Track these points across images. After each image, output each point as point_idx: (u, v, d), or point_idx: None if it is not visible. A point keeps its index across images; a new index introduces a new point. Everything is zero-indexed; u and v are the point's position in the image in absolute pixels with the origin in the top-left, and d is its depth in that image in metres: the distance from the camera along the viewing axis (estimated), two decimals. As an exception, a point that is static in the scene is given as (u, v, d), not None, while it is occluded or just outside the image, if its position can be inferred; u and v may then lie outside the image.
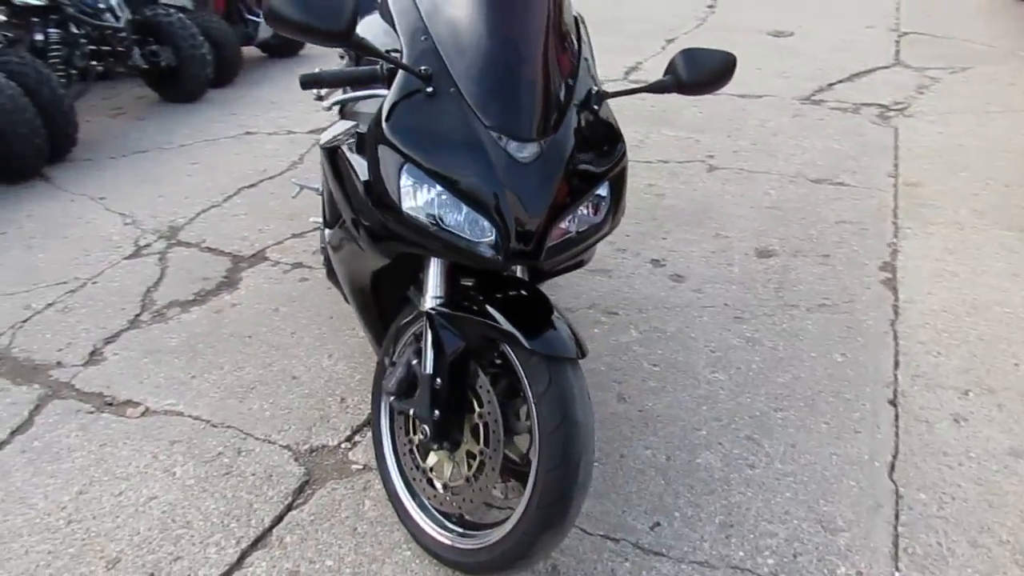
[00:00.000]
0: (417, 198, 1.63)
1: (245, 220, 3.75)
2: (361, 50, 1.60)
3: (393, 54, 1.72)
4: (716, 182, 3.85)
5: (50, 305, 3.13)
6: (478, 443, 1.80)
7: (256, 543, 2.06)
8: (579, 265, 2.00)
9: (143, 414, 2.54)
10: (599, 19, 6.51)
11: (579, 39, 1.83)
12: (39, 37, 4.64)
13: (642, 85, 1.78)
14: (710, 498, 2.13)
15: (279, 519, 2.13)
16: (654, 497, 2.14)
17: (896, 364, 2.59)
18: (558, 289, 3.04)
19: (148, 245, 3.56)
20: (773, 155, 4.11)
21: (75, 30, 4.77)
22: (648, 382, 2.56)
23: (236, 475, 2.27)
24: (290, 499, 2.19)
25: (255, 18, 6.03)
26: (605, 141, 1.76)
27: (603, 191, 1.75)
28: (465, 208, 1.60)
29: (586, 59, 1.81)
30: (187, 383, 2.66)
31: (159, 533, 2.10)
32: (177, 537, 2.08)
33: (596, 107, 1.75)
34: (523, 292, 1.81)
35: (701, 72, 1.77)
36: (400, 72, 1.67)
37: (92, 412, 2.55)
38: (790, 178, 3.86)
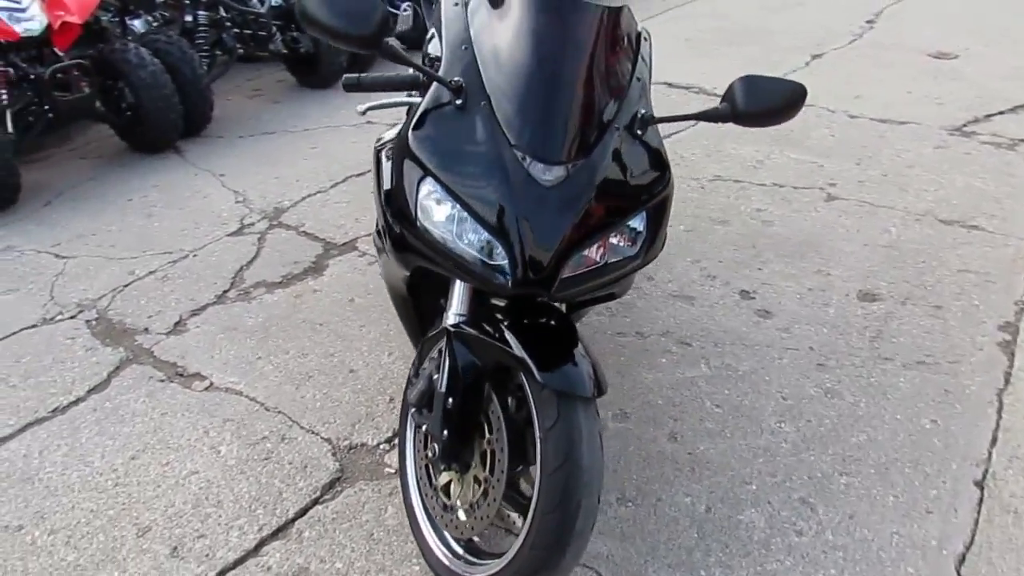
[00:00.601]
0: (433, 213, 1.57)
1: (345, 208, 3.84)
2: (390, 57, 1.57)
3: (438, 63, 1.68)
4: (832, 213, 3.56)
5: (151, 272, 3.33)
6: (484, 469, 1.73)
7: (276, 533, 2.09)
8: (610, 297, 1.88)
9: (206, 388, 2.64)
10: (744, 28, 6.23)
11: (635, 57, 1.71)
12: (189, 19, 4.94)
13: (695, 112, 1.65)
14: (744, 561, 1.95)
15: (303, 512, 2.15)
16: (683, 551, 1.99)
17: (994, 440, 2.28)
18: (633, 311, 2.90)
19: (252, 224, 3.72)
20: (903, 189, 3.76)
21: (223, 14, 5.05)
22: (706, 423, 2.39)
23: (274, 461, 2.31)
24: (318, 494, 2.20)
25: (395, 10, 6.17)
26: (647, 168, 1.64)
27: (637, 222, 1.63)
28: (479, 228, 1.53)
29: (639, 79, 1.69)
30: (253, 363, 2.74)
31: (191, 508, 2.16)
32: (206, 515, 2.14)
33: (640, 131, 1.63)
34: (551, 321, 1.72)
35: (760, 102, 1.61)
36: (434, 82, 1.62)
37: (162, 381, 2.68)
38: (917, 216, 3.51)
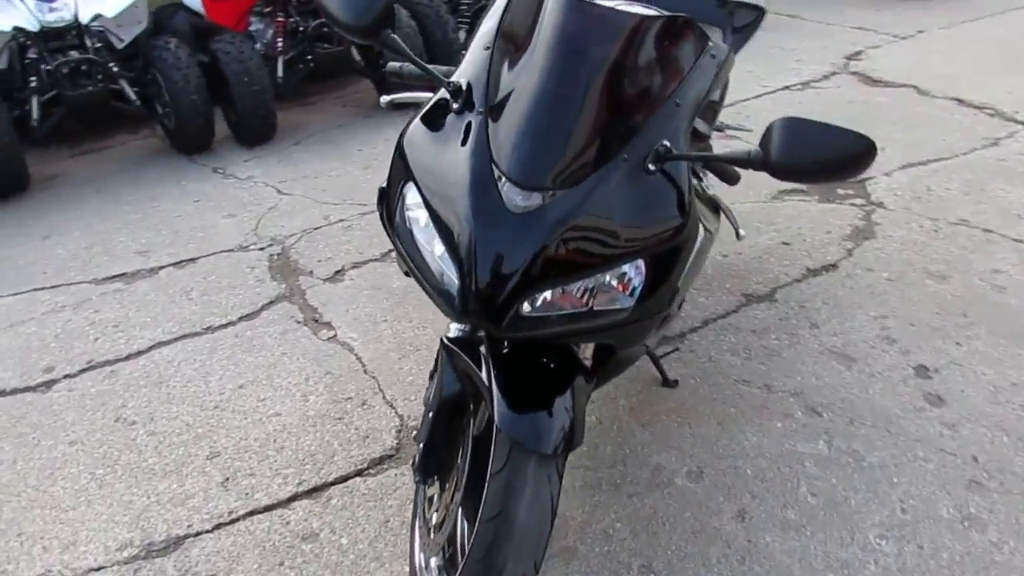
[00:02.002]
0: (409, 219, 1.47)
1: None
2: (390, 50, 1.49)
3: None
4: (1103, 295, 2.77)
5: (341, 220, 3.59)
6: (442, 492, 1.63)
7: (311, 492, 2.17)
8: (611, 352, 1.62)
9: (329, 339, 2.80)
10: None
11: (682, 79, 1.43)
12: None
13: (724, 153, 1.34)
14: None
15: (343, 479, 2.20)
16: (680, 649, 1.71)
17: None
18: (773, 358, 2.53)
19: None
20: None
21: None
22: (788, 511, 2.02)
23: (345, 423, 2.40)
24: (364, 466, 2.24)
25: None
26: (655, 209, 1.38)
27: (630, 268, 1.38)
28: (442, 245, 1.40)
29: (679, 104, 1.41)
30: (376, 324, 2.85)
31: (257, 447, 2.33)
32: (265, 456, 2.29)
33: (653, 167, 1.37)
34: (553, 359, 1.54)
35: (802, 153, 1.26)
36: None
37: (298, 323, 2.90)
38: None
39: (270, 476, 2.23)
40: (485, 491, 1.46)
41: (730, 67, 1.55)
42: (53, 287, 3.25)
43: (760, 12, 2.61)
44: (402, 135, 1.55)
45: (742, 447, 2.22)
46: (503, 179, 1.35)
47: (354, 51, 4.65)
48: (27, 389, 2.66)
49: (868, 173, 3.63)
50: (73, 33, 4.13)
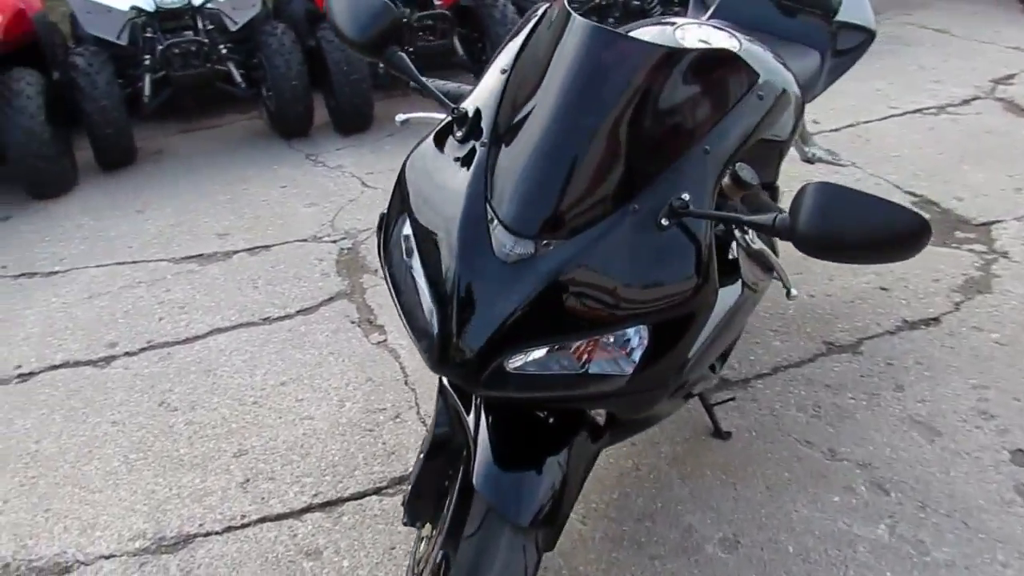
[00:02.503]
0: (404, 250, 1.35)
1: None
2: (394, 68, 1.39)
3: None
4: None
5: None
6: (431, 537, 1.52)
7: (324, 506, 2.11)
8: (648, 422, 1.44)
9: (378, 343, 2.74)
10: None
11: (715, 123, 1.24)
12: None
13: (745, 216, 1.15)
14: None
15: (358, 496, 2.13)
16: None
17: None
18: (845, 421, 2.26)
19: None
20: None
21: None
22: (828, 603, 1.79)
23: (374, 436, 2.33)
24: (384, 484, 2.17)
25: None
26: (666, 269, 1.20)
27: (633, 334, 1.21)
28: (426, 285, 1.27)
29: (708, 150, 1.22)
30: (427, 333, 2.77)
31: (284, 450, 2.29)
32: (289, 460, 2.25)
33: (666, 221, 1.18)
34: (554, 411, 1.39)
35: (835, 226, 1.05)
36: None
37: (353, 323, 2.86)
38: None
39: (289, 483, 2.18)
40: (458, 552, 1.34)
41: (789, 106, 1.34)
42: (134, 262, 3.36)
43: (869, 35, 2.33)
44: (406, 159, 1.44)
45: (789, 519, 1.99)
46: (495, 221, 1.21)
47: (457, 44, 4.59)
48: (88, 363, 2.75)
49: (995, 215, 3.24)
50: (188, 14, 4.26)
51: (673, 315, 1.21)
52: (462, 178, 1.27)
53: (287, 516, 2.08)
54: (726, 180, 1.28)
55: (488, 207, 1.22)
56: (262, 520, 2.08)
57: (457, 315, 1.20)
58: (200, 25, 4.30)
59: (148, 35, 4.21)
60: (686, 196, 1.19)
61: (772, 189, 1.74)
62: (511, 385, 1.23)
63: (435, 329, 1.23)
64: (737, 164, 1.29)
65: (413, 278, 1.30)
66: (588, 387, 1.24)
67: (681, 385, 1.39)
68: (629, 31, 1.77)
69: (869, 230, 1.07)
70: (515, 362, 1.22)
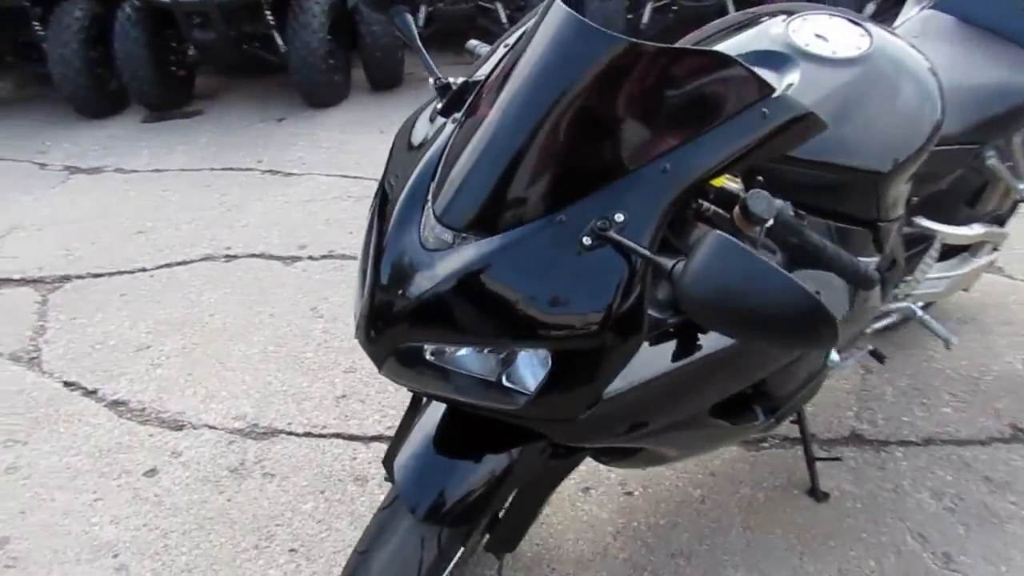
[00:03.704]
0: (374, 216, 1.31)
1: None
2: (398, 29, 1.32)
3: None
4: None
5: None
6: None
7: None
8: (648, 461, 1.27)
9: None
10: None
11: (671, 143, 1.02)
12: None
13: (648, 252, 0.94)
14: None
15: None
16: None
17: None
18: (984, 530, 1.82)
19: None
20: None
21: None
22: None
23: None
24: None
25: None
26: (575, 293, 1.03)
27: (531, 353, 1.07)
28: (369, 255, 1.23)
29: (666, 171, 1.00)
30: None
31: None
32: (383, 389, 2.37)
33: (589, 240, 1.00)
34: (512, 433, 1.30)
35: (718, 289, 0.83)
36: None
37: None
38: None
39: (374, 409, 2.30)
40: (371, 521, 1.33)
41: (802, 128, 1.05)
42: (355, 178, 3.67)
43: None
44: (403, 124, 1.39)
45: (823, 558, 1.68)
46: (429, 202, 1.13)
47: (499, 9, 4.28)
48: (278, 257, 3.09)
49: None
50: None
51: (577, 347, 1.05)
52: (428, 152, 1.21)
53: (357, 439, 2.21)
54: (735, 213, 1.06)
55: (429, 187, 1.15)
56: (336, 435, 2.22)
57: (377, 292, 1.16)
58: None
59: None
60: (620, 217, 1.00)
61: (874, 228, 1.41)
62: (416, 374, 1.16)
63: (362, 301, 1.20)
64: (752, 192, 1.07)
65: (367, 244, 1.28)
66: (493, 399, 1.13)
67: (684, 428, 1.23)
68: (731, 20, 1.52)
69: (757, 301, 0.84)
70: (435, 353, 1.15)
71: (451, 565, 1.34)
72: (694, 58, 1.02)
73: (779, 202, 1.11)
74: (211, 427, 2.28)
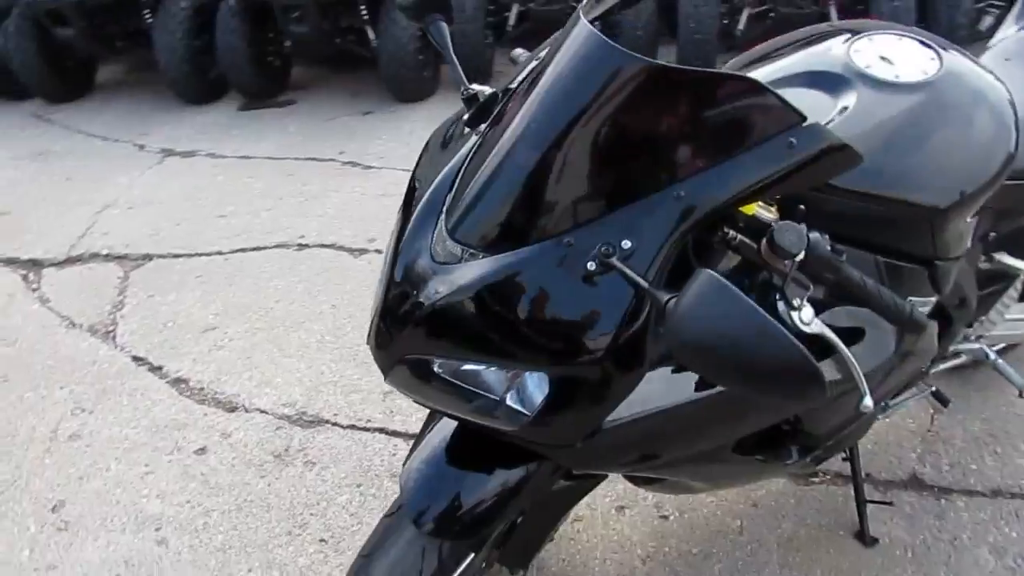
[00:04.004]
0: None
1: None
2: (432, 39, 1.30)
3: None
4: None
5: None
6: None
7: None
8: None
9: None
10: None
11: (688, 170, 0.96)
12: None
13: (645, 283, 0.88)
14: None
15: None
16: None
17: None
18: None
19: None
20: None
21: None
22: None
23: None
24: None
25: None
26: (573, 320, 0.99)
27: (536, 377, 1.04)
28: (387, 258, 1.22)
29: (678, 196, 0.95)
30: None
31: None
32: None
33: (593, 266, 0.96)
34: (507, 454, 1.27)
35: (703, 331, 0.78)
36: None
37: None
38: None
39: (417, 408, 2.30)
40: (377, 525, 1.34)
41: (835, 160, 0.97)
42: (430, 173, 3.71)
43: None
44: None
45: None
46: (443, 217, 1.12)
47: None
48: (348, 249, 3.15)
49: None
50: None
51: (577, 373, 1.01)
52: (450, 162, 1.19)
53: (399, 435, 2.22)
54: (763, 245, 1.01)
55: (446, 199, 1.13)
56: (380, 430, 2.24)
57: (387, 300, 1.15)
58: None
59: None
60: (627, 244, 0.96)
61: (930, 266, 1.31)
62: (420, 385, 1.15)
63: (375, 306, 1.20)
64: (781, 223, 1.01)
65: (387, 248, 1.27)
66: (494, 417, 1.10)
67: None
68: (795, 36, 1.44)
69: (741, 349, 0.78)
70: (443, 366, 1.13)
71: None
72: (718, 82, 0.97)
73: (814, 235, 1.05)
74: (262, 411, 2.34)
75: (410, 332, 1.11)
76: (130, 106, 4.85)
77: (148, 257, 3.19)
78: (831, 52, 1.32)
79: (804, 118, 0.98)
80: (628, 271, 0.93)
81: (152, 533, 1.96)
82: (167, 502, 2.04)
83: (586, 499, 1.94)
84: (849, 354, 1.13)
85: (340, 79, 5.10)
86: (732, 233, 1.09)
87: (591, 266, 0.98)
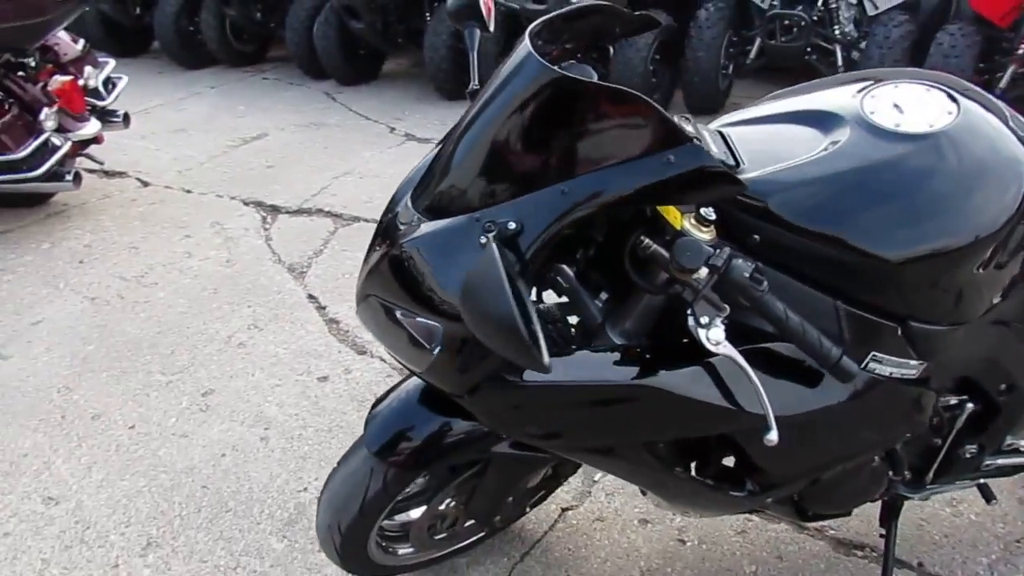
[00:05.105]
0: None
1: None
2: (466, 43, 1.46)
3: None
4: None
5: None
6: None
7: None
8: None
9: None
10: None
11: (573, 170, 1.09)
12: None
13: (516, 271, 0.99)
14: None
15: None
16: None
17: None
18: None
19: None
20: None
21: None
22: None
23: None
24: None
25: None
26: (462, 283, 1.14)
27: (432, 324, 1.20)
28: None
29: (563, 192, 1.08)
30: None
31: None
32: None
33: (483, 239, 1.10)
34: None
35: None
36: None
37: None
38: None
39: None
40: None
41: (716, 183, 1.03)
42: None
43: None
44: None
45: None
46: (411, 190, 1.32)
47: None
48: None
49: None
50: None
51: (457, 331, 1.15)
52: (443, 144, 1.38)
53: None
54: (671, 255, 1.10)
55: (429, 174, 1.32)
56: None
57: (369, 247, 1.37)
58: (829, 2, 4.29)
59: (771, 3, 4.42)
60: (513, 225, 1.08)
61: (904, 325, 1.22)
62: (374, 321, 1.34)
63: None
64: (682, 239, 1.10)
65: None
66: (407, 355, 1.27)
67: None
68: (841, 77, 1.43)
69: (481, 309, 0.90)
70: (397, 309, 1.33)
71: (393, 503, 1.53)
72: (612, 97, 1.07)
73: (738, 260, 1.11)
74: (382, 360, 2.67)
75: (368, 275, 1.32)
76: (398, 95, 5.53)
77: (356, 219, 3.70)
78: (842, 94, 1.32)
79: (689, 139, 1.05)
80: (494, 246, 1.07)
81: (260, 431, 2.37)
82: (282, 411, 2.45)
83: (615, 503, 2.04)
84: (759, 384, 1.16)
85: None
86: (647, 242, 1.18)
87: (482, 240, 1.13)
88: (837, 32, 4.33)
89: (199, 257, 3.40)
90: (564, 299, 1.37)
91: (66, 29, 3.88)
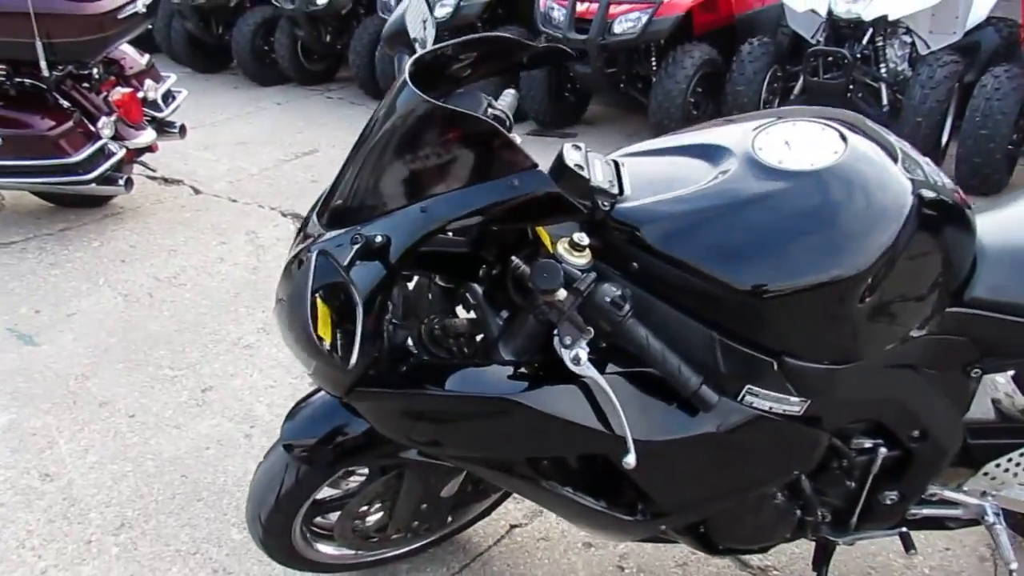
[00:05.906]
0: None
1: None
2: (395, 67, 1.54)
3: None
4: None
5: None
6: None
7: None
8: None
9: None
10: None
11: (431, 190, 1.19)
12: None
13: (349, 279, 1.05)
14: None
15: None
16: None
17: None
18: None
19: None
20: None
21: None
22: None
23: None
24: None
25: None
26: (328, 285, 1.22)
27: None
28: None
29: (422, 210, 1.17)
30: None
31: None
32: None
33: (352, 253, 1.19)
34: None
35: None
36: None
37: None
38: None
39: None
40: None
41: (559, 207, 1.10)
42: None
43: None
44: None
45: None
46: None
47: None
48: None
49: None
50: (865, 25, 4.21)
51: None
52: None
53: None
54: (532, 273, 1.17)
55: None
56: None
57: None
58: (876, 40, 4.21)
59: (820, 38, 4.36)
60: (379, 239, 1.16)
61: (779, 360, 1.23)
62: (278, 321, 1.43)
63: None
64: (540, 262, 1.17)
65: None
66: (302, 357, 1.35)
67: None
68: (730, 118, 1.45)
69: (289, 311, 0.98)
70: None
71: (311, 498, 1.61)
72: (466, 123, 1.14)
73: (604, 285, 1.17)
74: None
75: (280, 279, 1.42)
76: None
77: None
78: (740, 130, 1.34)
79: (535, 165, 1.11)
80: (336, 262, 1.15)
81: (246, 428, 2.50)
82: (270, 411, 2.57)
83: (563, 525, 2.07)
84: (617, 405, 1.20)
85: (625, 120, 5.41)
86: (517, 262, 1.24)
87: (351, 253, 1.21)
88: (883, 71, 4.24)
89: (230, 262, 3.60)
90: (472, 315, 1.44)
91: (138, 46, 4.20)
